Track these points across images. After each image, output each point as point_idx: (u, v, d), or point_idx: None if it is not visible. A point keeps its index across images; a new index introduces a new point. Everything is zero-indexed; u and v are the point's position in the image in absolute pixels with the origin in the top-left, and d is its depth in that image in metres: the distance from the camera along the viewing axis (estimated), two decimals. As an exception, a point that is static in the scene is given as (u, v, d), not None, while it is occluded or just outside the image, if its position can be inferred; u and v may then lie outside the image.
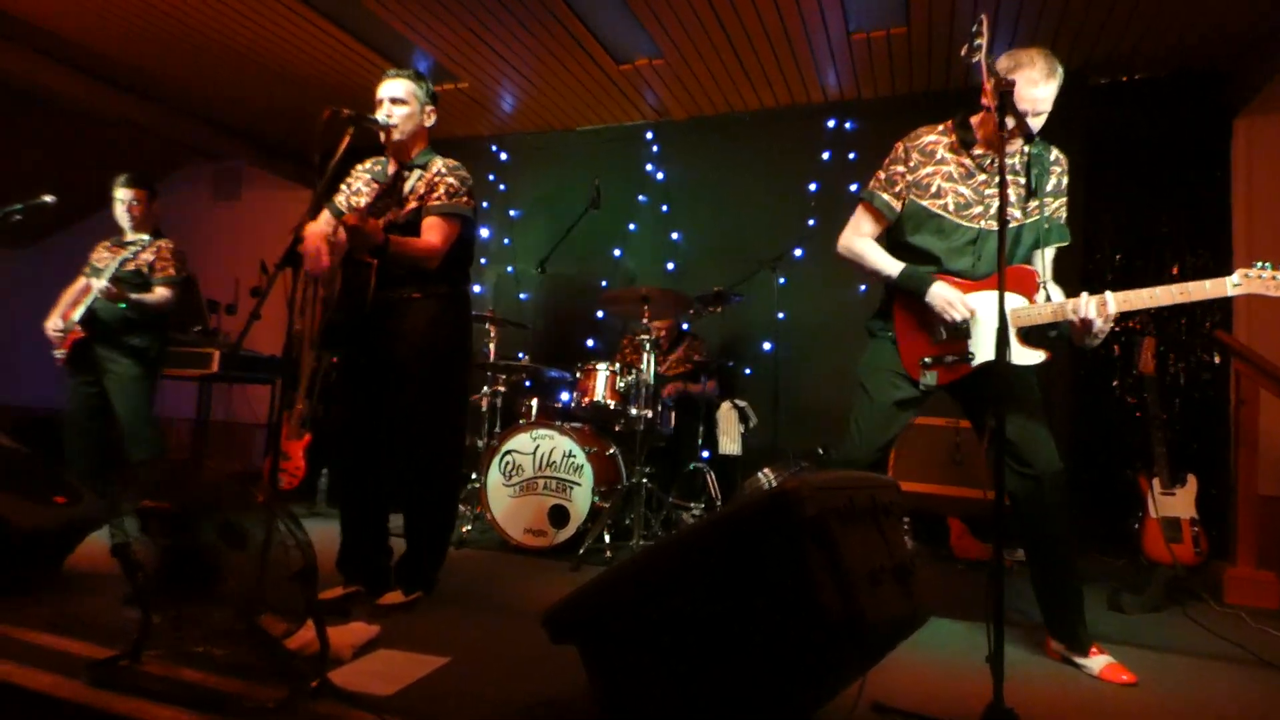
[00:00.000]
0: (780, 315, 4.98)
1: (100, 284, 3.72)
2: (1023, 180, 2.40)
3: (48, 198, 3.61)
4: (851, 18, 4.33)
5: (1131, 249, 4.66)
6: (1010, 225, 2.38)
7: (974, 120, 2.45)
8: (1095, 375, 4.69)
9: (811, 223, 5.23)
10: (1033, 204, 2.39)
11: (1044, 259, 2.43)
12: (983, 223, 2.40)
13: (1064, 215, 2.44)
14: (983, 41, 2.05)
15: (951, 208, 2.42)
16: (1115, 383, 4.65)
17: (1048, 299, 2.33)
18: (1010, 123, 2.08)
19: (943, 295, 2.35)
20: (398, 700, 1.86)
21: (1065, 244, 2.44)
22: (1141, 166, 4.66)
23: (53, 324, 3.88)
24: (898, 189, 2.48)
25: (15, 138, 6.27)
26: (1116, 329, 4.64)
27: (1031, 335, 2.36)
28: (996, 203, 2.30)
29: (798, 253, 5.16)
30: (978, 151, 2.42)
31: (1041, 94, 2.26)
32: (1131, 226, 4.66)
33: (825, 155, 5.28)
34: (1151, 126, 4.65)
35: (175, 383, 5.98)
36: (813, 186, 5.29)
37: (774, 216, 5.36)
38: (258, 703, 1.76)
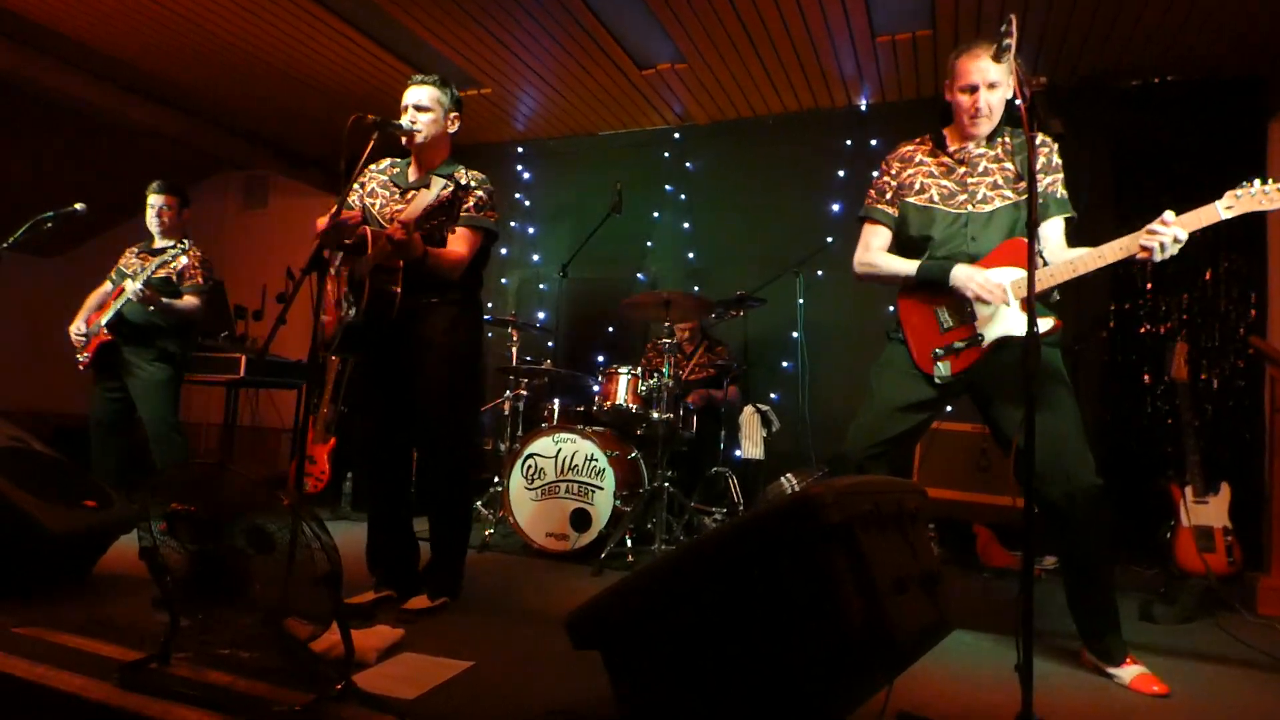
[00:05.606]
0: (804, 319, 4.95)
1: (135, 286, 3.71)
2: (1009, 166, 2.50)
3: (78, 206, 3.66)
4: (876, 20, 4.31)
5: (1163, 253, 4.59)
6: (1004, 205, 2.48)
7: (946, 130, 2.60)
8: (1127, 382, 4.61)
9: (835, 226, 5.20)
10: (1022, 184, 2.46)
11: (1051, 232, 2.45)
12: (969, 207, 2.50)
13: (1060, 190, 2.48)
14: (1011, 42, 2.02)
15: (937, 199, 2.54)
16: (1147, 389, 4.57)
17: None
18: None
19: (965, 274, 2.38)
20: (422, 704, 1.87)
21: (1068, 214, 2.47)
22: (1174, 170, 4.58)
23: (76, 328, 3.92)
24: (889, 196, 2.62)
25: (48, 148, 6.39)
26: (1144, 333, 4.58)
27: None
28: (980, 190, 2.48)
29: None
30: (953, 148, 2.56)
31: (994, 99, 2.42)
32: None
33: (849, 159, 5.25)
34: (1184, 130, 4.57)
35: (203, 388, 6.05)
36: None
37: (797, 220, 5.34)
38: (284, 706, 1.77)
